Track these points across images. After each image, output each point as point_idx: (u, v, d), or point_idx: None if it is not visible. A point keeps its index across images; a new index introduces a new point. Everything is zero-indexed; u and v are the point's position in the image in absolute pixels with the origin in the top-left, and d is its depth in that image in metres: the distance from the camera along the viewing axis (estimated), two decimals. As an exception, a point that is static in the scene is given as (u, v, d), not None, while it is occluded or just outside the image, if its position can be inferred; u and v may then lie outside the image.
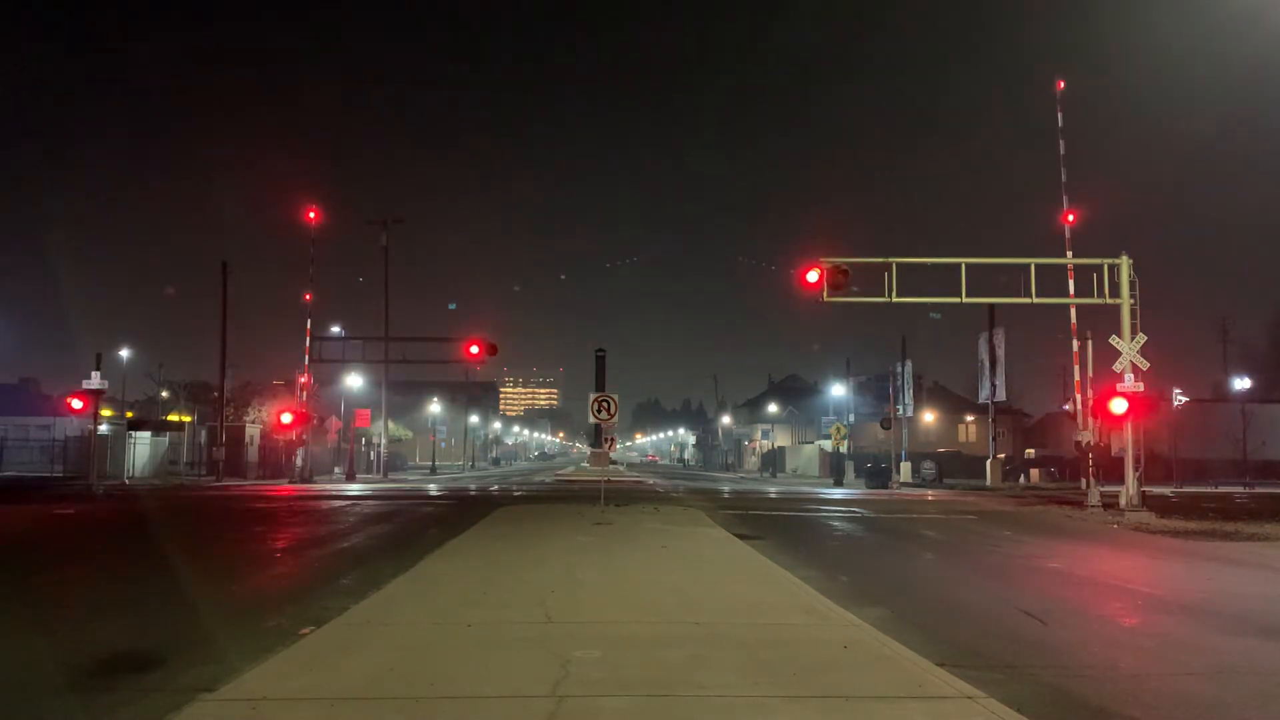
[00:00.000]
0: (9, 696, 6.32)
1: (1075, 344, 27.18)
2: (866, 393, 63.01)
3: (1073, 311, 27.00)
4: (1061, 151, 27.72)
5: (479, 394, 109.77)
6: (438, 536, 15.12)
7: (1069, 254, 26.79)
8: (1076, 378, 27.22)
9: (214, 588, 10.71)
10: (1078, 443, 27.13)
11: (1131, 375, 24.14)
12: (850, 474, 48.61)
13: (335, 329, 48.16)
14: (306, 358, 41.44)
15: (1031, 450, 57.31)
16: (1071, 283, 26.32)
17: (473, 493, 34.59)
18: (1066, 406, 27.95)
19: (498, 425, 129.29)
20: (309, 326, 41.56)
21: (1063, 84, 28.30)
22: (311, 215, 43.15)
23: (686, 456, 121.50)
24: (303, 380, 42.15)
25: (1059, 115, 27.82)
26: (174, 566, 12.49)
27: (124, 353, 63.33)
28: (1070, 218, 27.20)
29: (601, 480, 23.93)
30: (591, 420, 22.40)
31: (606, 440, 24.25)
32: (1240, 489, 41.65)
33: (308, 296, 42.17)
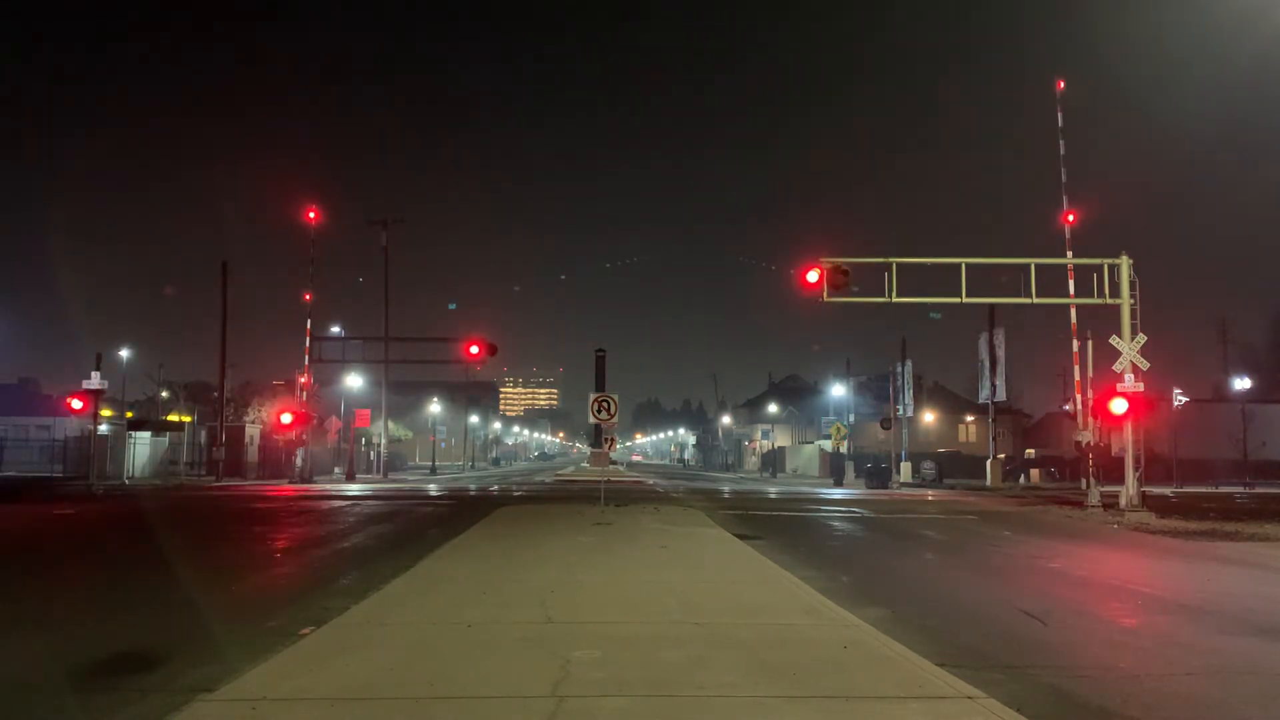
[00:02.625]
0: (9, 696, 6.32)
1: (1075, 344, 27.17)
2: (866, 393, 63.03)
3: (1073, 311, 26.99)
4: (1062, 151, 27.73)
5: (479, 394, 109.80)
6: (438, 537, 15.12)
7: (1069, 254, 26.79)
8: (1077, 378, 27.22)
9: (214, 588, 10.71)
10: (1078, 443, 27.13)
11: (1131, 375, 24.14)
12: (850, 474, 48.61)
13: (335, 329, 48.23)
14: (307, 358, 41.47)
15: (1031, 450, 57.35)
16: (1071, 283, 26.33)
17: (472, 493, 34.60)
18: (1066, 407, 27.98)
19: (498, 425, 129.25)
20: (309, 327, 41.61)
21: (1063, 84, 28.32)
22: (311, 215, 43.17)
23: (686, 457, 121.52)
24: (303, 380, 42.18)
25: (1059, 115, 27.84)
26: (174, 566, 12.49)
27: (124, 353, 63.42)
28: (1070, 217, 27.21)
29: (601, 480, 23.91)
30: (591, 420, 22.39)
31: (606, 440, 24.25)
32: (1240, 489, 41.68)
33: (307, 296, 42.22)
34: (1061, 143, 27.81)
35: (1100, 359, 26.06)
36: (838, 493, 37.60)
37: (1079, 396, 26.90)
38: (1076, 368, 27.23)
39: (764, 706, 5.48)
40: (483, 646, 6.98)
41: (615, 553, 13.01)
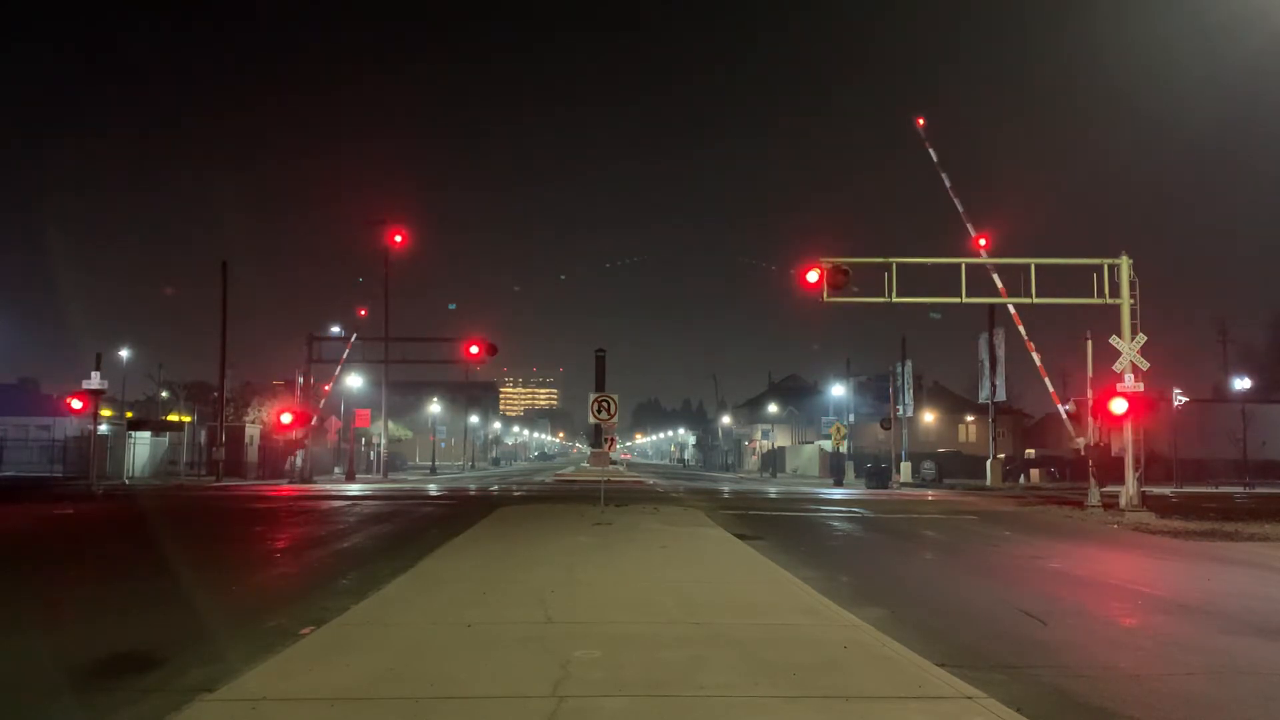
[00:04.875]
0: (9, 696, 6.32)
1: (1036, 357, 27.63)
2: (866, 393, 63.01)
3: (1021, 328, 27.68)
4: (948, 184, 28.50)
5: (479, 394, 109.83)
6: (438, 537, 15.12)
7: (996, 276, 26.87)
8: (1051, 388, 27.93)
9: (214, 587, 10.71)
10: (1075, 449, 27.28)
11: (1131, 375, 24.15)
12: (850, 474, 48.62)
13: (335, 329, 48.37)
14: (340, 367, 43.15)
15: (1031, 450, 57.27)
16: (999, 290, 26.69)
17: (472, 493, 34.59)
18: (1066, 407, 27.98)
19: (497, 425, 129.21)
20: (351, 338, 43.70)
21: (923, 121, 28.92)
22: (398, 239, 44.65)
23: (686, 456, 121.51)
24: (325, 387, 43.32)
25: (931, 152, 28.48)
26: (174, 566, 12.48)
27: (124, 353, 63.37)
28: (983, 241, 27.56)
29: (601, 480, 23.92)
30: (591, 420, 22.38)
31: (606, 440, 24.26)
32: (1240, 489, 41.69)
33: (362, 312, 45.22)
34: (944, 176, 28.51)
35: (1101, 359, 26.12)
36: (838, 493, 37.60)
37: (1060, 407, 27.42)
38: (1047, 379, 27.95)
39: (764, 706, 5.48)
40: (483, 646, 6.98)
41: (615, 552, 13.01)
